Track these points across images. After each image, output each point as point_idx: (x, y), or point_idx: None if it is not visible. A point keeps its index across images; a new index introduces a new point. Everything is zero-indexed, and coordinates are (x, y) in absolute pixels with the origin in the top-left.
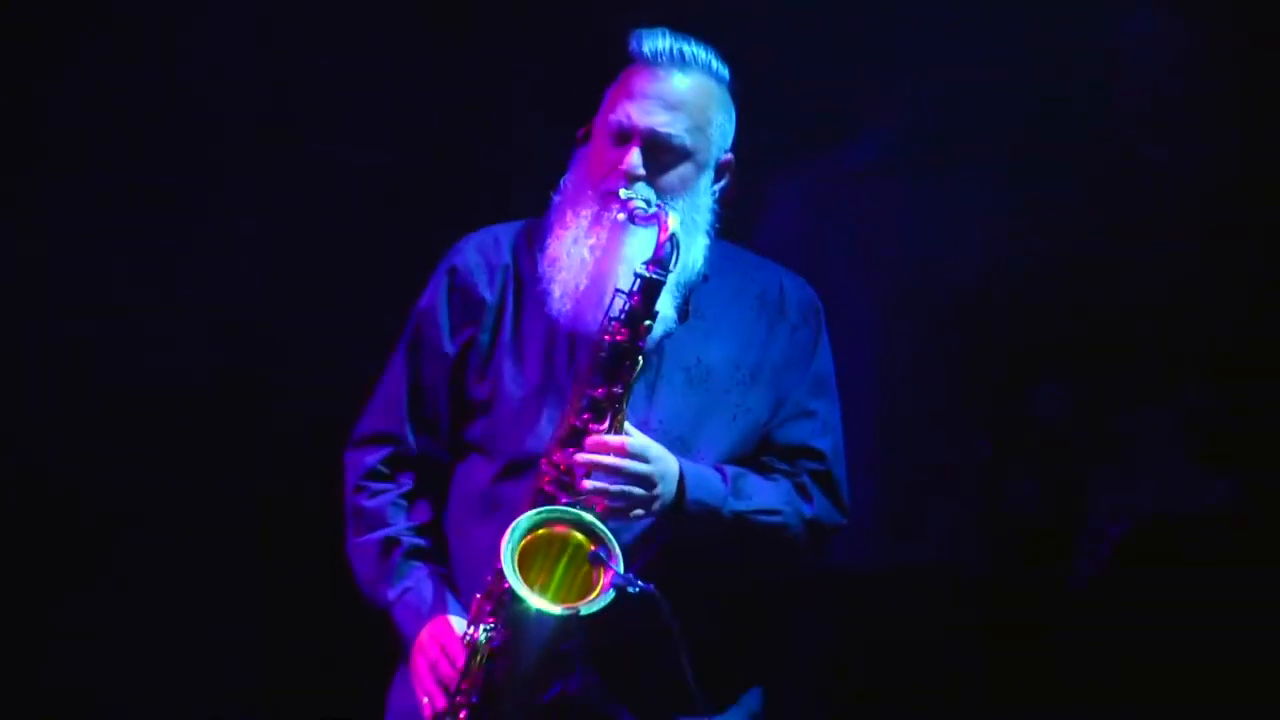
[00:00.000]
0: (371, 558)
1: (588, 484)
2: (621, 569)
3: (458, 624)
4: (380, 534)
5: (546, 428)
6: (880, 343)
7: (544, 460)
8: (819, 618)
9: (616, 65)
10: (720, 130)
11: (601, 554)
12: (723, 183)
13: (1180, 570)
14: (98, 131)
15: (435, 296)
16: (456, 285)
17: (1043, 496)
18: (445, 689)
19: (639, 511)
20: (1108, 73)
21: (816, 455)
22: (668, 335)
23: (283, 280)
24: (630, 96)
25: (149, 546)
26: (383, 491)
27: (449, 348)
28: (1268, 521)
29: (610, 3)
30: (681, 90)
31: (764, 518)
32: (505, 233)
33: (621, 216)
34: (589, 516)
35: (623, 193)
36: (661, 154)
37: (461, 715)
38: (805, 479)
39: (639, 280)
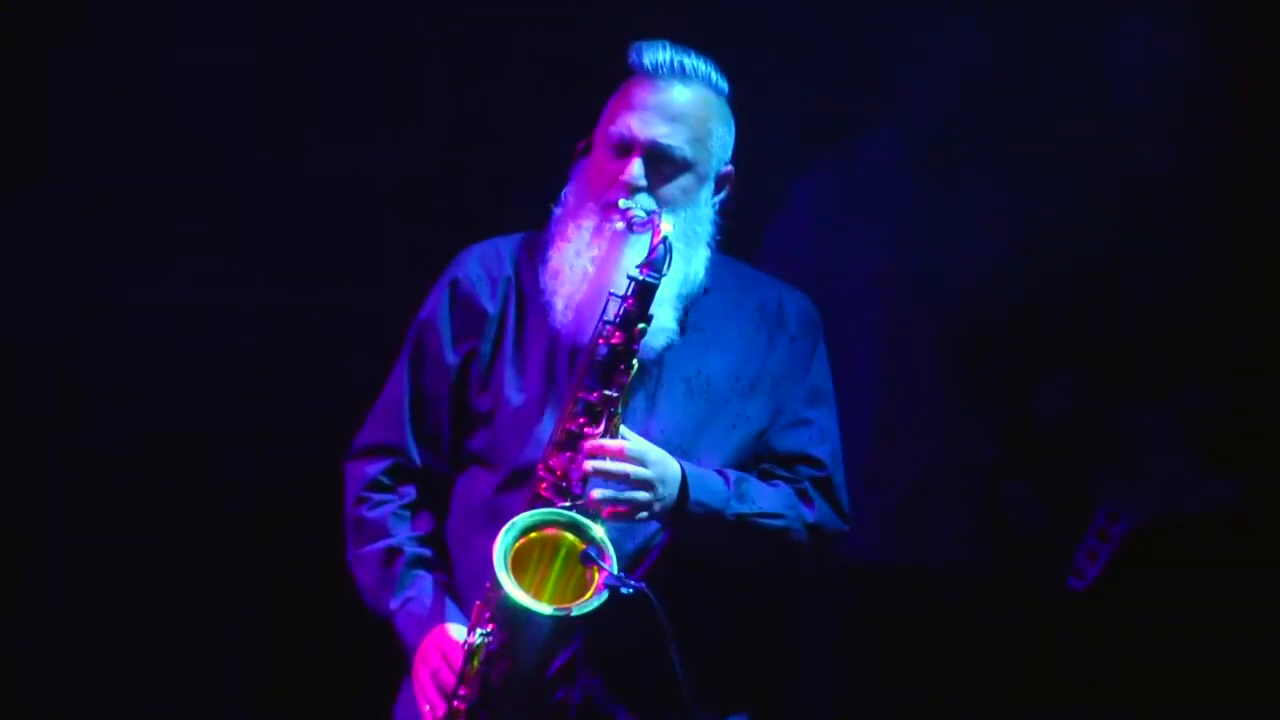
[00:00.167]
0: (373, 568)
1: (594, 494)
2: (615, 569)
3: (459, 632)
4: (382, 544)
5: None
6: (884, 344)
7: (540, 465)
8: (822, 617)
9: (617, 77)
10: (720, 142)
11: (593, 553)
12: (723, 194)
13: (1182, 570)
14: (97, 132)
15: (437, 308)
16: (458, 297)
17: (1045, 497)
18: (446, 696)
19: (642, 515)
20: (1108, 74)
21: (816, 462)
22: (669, 347)
23: (283, 281)
24: (631, 108)
25: (149, 548)
26: (384, 503)
27: (451, 359)
28: (1269, 522)
29: (613, 12)
30: (682, 102)
31: (766, 521)
32: (507, 245)
33: (620, 225)
34: (583, 518)
35: (622, 203)
36: (662, 165)
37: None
38: (806, 485)
39: (633, 283)
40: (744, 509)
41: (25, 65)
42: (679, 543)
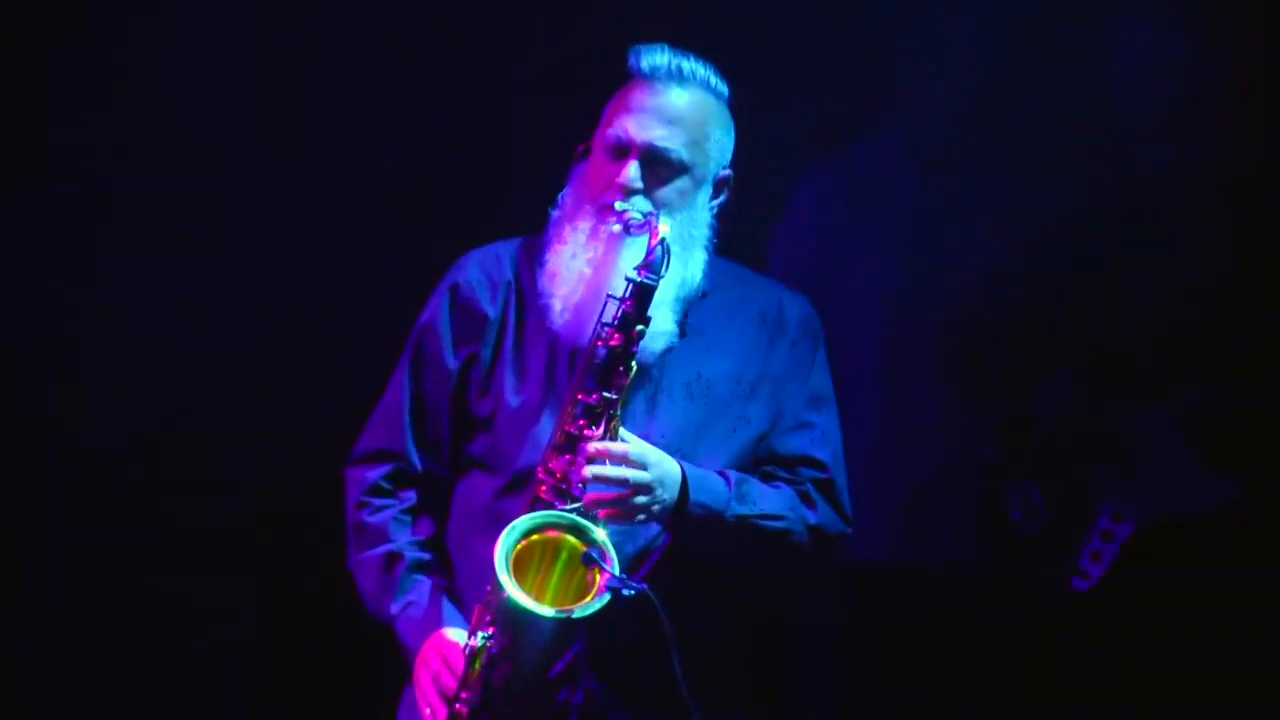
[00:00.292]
0: (374, 573)
1: (594, 497)
2: (616, 571)
3: (459, 635)
4: (383, 549)
5: None
6: (884, 344)
7: (540, 468)
8: (823, 618)
9: (617, 78)
10: (718, 146)
11: (594, 555)
12: (722, 198)
13: (1182, 570)
14: (97, 132)
15: (437, 313)
16: (458, 302)
17: (1047, 497)
18: (447, 700)
19: (641, 517)
20: (1108, 74)
21: (818, 464)
22: (668, 350)
23: (283, 281)
24: (628, 111)
25: (149, 548)
26: (385, 507)
27: (451, 364)
28: (1269, 522)
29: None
30: (679, 105)
31: (767, 523)
32: (507, 249)
33: (617, 228)
34: (584, 520)
35: (619, 205)
36: (659, 168)
37: None
38: (808, 487)
39: (631, 285)
40: (745, 510)
41: (25, 65)
42: (680, 544)
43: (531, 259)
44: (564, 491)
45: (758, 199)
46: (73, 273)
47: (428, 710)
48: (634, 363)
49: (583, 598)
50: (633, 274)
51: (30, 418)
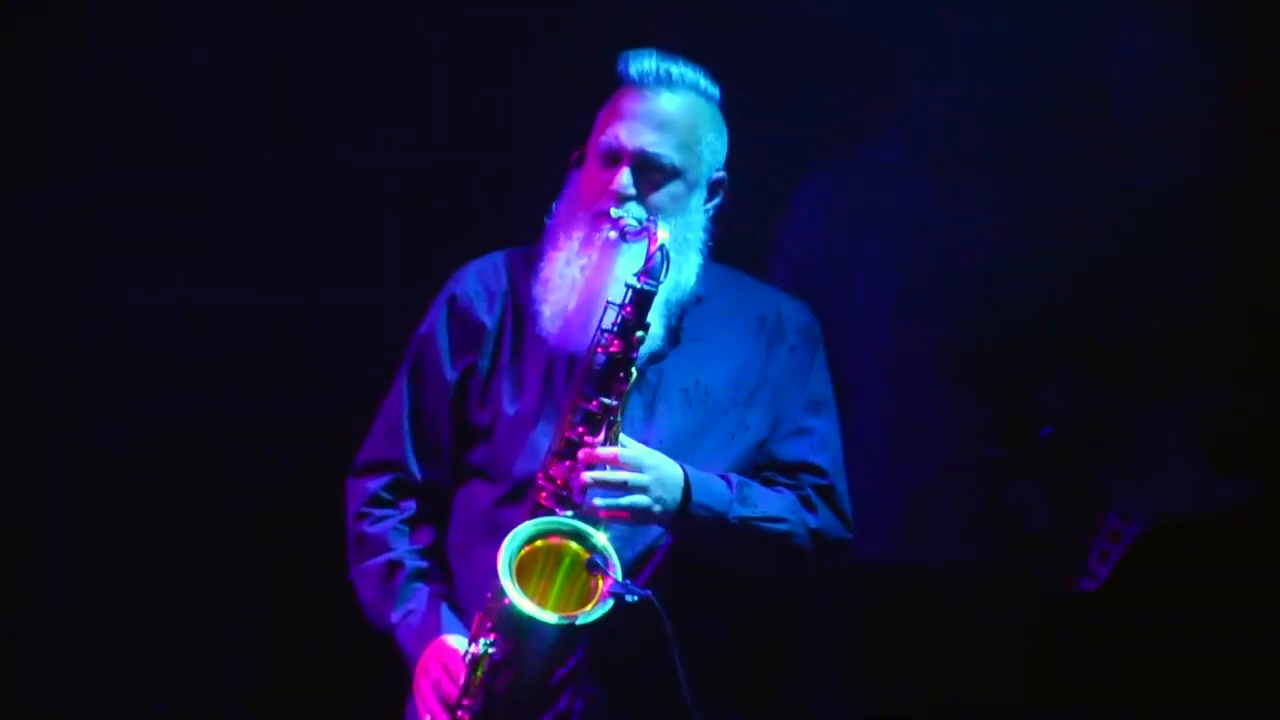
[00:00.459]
0: (375, 582)
1: (594, 501)
2: (619, 576)
3: (460, 643)
4: (383, 558)
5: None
6: (884, 344)
7: (540, 475)
8: (824, 618)
9: (614, 80)
10: (711, 148)
11: (598, 561)
12: (716, 201)
13: (1182, 570)
14: (97, 132)
15: (435, 323)
16: (456, 312)
17: (1051, 498)
18: (448, 707)
19: (644, 517)
20: (1108, 74)
21: (818, 470)
22: (661, 356)
23: (283, 281)
24: (619, 118)
25: (149, 548)
26: (385, 518)
27: (449, 374)
28: (1270, 522)
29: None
30: (669, 110)
31: (769, 525)
32: (504, 259)
33: (613, 234)
34: (586, 526)
35: (613, 212)
36: (651, 173)
37: None
38: (809, 492)
39: (630, 291)
40: (746, 512)
41: (25, 65)
42: (682, 547)
43: (528, 268)
44: (564, 498)
45: (758, 199)
46: (73, 273)
47: (428, 718)
48: (634, 369)
49: (585, 604)
50: (632, 280)
51: (30, 418)
